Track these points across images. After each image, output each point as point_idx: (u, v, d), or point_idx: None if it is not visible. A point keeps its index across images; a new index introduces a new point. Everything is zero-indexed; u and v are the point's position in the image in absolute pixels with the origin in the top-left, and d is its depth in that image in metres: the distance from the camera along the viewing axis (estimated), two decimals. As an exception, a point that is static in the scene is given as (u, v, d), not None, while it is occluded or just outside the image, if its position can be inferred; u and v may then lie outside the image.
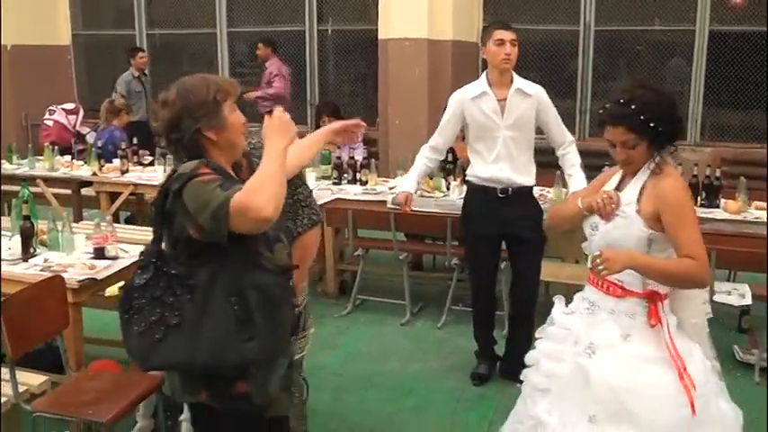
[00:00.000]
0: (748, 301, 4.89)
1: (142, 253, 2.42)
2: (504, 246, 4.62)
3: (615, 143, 2.70)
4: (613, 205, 2.71)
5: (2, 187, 6.05)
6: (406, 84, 8.96)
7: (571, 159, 4.48)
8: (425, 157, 4.62)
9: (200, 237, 2.23)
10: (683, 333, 2.75)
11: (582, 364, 2.69)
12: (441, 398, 4.51)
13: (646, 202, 2.69)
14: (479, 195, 4.48)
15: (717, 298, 4.83)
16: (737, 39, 8.75)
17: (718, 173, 5.76)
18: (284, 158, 2.27)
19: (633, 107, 2.62)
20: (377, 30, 9.39)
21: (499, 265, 4.81)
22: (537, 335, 3.05)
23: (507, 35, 4.27)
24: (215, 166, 2.33)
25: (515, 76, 4.38)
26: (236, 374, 2.33)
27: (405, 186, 4.61)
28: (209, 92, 2.36)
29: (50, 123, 10.15)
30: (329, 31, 10.41)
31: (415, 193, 4.81)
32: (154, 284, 2.33)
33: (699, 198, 5.60)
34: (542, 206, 4.70)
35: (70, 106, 10.40)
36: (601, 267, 2.57)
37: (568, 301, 3.03)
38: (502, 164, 4.37)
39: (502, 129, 4.34)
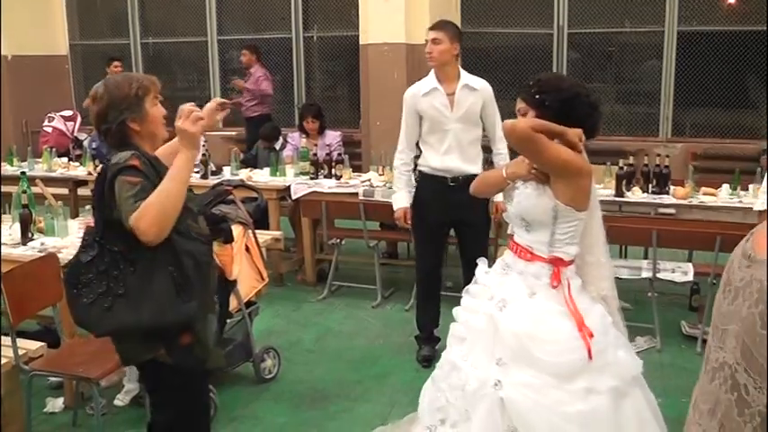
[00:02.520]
0: (690, 278, 5.33)
1: (86, 233, 2.80)
2: (452, 233, 4.97)
3: (517, 113, 3.15)
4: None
5: (2, 188, 6.49)
6: (385, 87, 9.37)
7: (501, 162, 4.70)
8: (402, 165, 4.86)
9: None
10: (585, 294, 3.13)
11: (492, 315, 3.06)
12: (402, 366, 4.95)
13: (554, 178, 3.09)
14: (431, 184, 4.79)
15: (661, 275, 5.29)
16: (705, 38, 9.21)
17: (667, 161, 6.23)
18: (186, 171, 2.66)
19: (531, 83, 3.12)
20: (359, 35, 9.85)
21: (445, 251, 5.15)
22: (463, 293, 3.40)
23: (432, 34, 4.64)
24: (145, 159, 2.67)
25: (462, 71, 4.73)
26: (183, 328, 2.72)
27: (400, 203, 4.86)
28: (131, 87, 2.72)
29: (49, 130, 10.61)
30: (314, 37, 10.87)
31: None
32: (99, 260, 2.67)
33: (650, 185, 6.11)
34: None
35: (68, 113, 10.86)
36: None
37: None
38: (452, 155, 4.70)
39: (452, 122, 4.67)
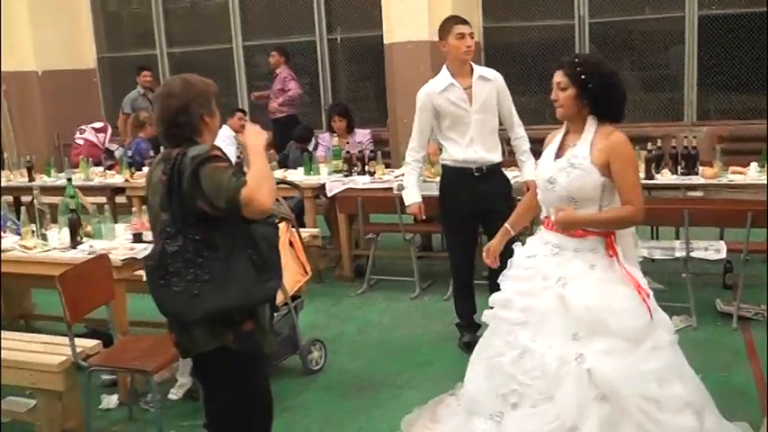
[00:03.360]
0: (723, 255, 5.40)
1: (164, 227, 2.84)
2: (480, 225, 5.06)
3: (555, 84, 3.28)
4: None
5: (44, 200, 6.66)
6: (411, 84, 9.40)
7: (522, 145, 4.99)
8: (414, 161, 5.00)
9: (214, 213, 2.72)
10: (625, 260, 3.29)
11: (559, 294, 3.20)
12: (444, 354, 5.06)
13: (597, 155, 3.22)
14: (456, 176, 4.88)
15: (695, 254, 5.37)
16: (726, 22, 9.24)
17: (694, 142, 6.30)
18: (265, 156, 2.85)
19: (576, 60, 3.27)
20: (382, 35, 9.96)
21: (476, 242, 5.23)
22: (499, 281, 3.52)
23: (467, 29, 4.74)
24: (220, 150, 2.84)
25: (473, 64, 4.84)
26: (247, 314, 2.88)
27: (412, 199, 5.01)
28: (206, 85, 2.96)
29: (81, 142, 10.79)
30: (338, 39, 11.02)
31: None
32: (184, 250, 2.79)
33: (678, 167, 6.20)
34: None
35: (99, 125, 11.04)
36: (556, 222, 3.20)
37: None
38: (476, 146, 4.79)
39: (472, 114, 4.75)
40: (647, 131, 8.81)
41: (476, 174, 4.82)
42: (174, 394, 4.46)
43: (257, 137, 2.87)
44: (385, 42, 9.89)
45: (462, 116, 4.77)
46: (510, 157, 5.44)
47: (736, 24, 9.15)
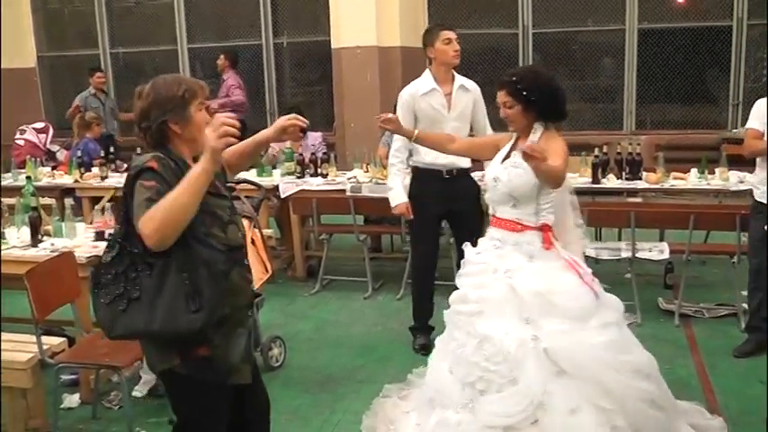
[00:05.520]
0: (667, 255, 5.70)
1: (111, 234, 2.77)
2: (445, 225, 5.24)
3: (501, 104, 3.57)
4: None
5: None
6: (359, 89, 9.62)
7: None
8: (399, 163, 5.03)
9: None
10: (566, 251, 3.57)
11: (508, 283, 3.45)
12: (402, 350, 5.20)
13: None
14: (427, 178, 5.00)
15: (640, 254, 5.64)
16: (664, 35, 9.63)
17: (638, 149, 6.59)
18: (197, 183, 2.48)
19: (514, 78, 3.53)
20: (330, 40, 10.06)
21: (439, 246, 5.36)
22: (455, 281, 3.77)
23: (453, 35, 4.87)
24: (170, 161, 2.62)
25: (455, 73, 4.98)
26: (199, 340, 2.62)
27: (399, 199, 5.01)
28: (179, 89, 2.66)
29: (21, 143, 10.57)
30: (285, 43, 11.08)
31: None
32: (119, 262, 2.61)
33: (623, 172, 6.50)
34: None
35: (40, 125, 10.82)
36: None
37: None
38: None
39: (449, 120, 4.88)
40: (587, 139, 9.11)
41: (446, 176, 4.96)
42: (139, 391, 4.50)
43: (213, 141, 2.49)
44: (333, 47, 10.00)
45: (439, 121, 4.87)
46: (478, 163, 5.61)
47: (673, 38, 9.55)
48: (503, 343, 3.36)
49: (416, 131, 4.25)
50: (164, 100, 2.65)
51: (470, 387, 3.44)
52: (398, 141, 5.01)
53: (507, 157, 3.64)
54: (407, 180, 5.17)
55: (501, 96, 3.56)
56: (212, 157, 2.49)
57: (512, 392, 3.32)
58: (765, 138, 4.73)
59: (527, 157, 3.18)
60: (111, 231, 2.80)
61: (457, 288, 3.73)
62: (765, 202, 4.74)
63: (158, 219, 2.43)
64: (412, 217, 5.04)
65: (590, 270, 3.57)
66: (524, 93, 3.49)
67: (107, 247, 2.70)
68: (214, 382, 2.73)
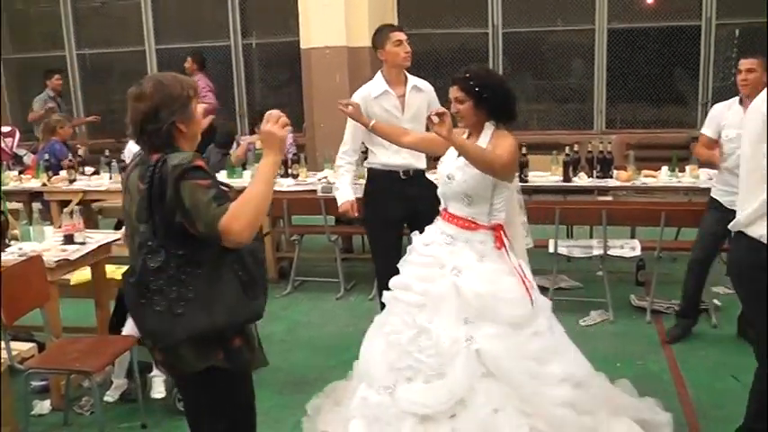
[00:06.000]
0: (638, 252, 5.77)
1: (144, 241, 2.60)
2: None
3: (452, 99, 3.63)
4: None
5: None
6: (328, 89, 9.57)
7: None
8: (347, 164, 4.97)
9: (192, 231, 2.52)
10: (513, 252, 3.65)
11: (454, 282, 3.52)
12: (375, 351, 5.16)
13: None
14: (384, 180, 4.89)
15: (612, 252, 5.69)
16: (633, 35, 9.72)
17: (609, 148, 6.64)
18: (271, 174, 2.60)
19: (467, 75, 3.59)
20: (299, 40, 10.02)
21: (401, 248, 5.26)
22: (399, 266, 3.84)
23: (403, 36, 4.78)
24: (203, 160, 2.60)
25: (407, 74, 4.89)
26: (236, 330, 2.70)
27: (345, 197, 4.92)
28: (183, 88, 2.67)
29: (-14, 147, 10.46)
30: (253, 44, 11.03)
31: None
32: (166, 266, 2.57)
33: (594, 171, 6.53)
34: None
35: (6, 129, 10.67)
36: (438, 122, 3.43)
37: None
38: (403, 153, 4.75)
39: (403, 122, 4.76)
40: (558, 139, 9.18)
41: (403, 177, 4.87)
42: (111, 396, 4.46)
43: (269, 138, 2.60)
44: (302, 47, 9.95)
45: (393, 123, 4.76)
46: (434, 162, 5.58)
47: (642, 38, 9.64)
48: (439, 338, 3.47)
49: (373, 121, 4.35)
50: (171, 100, 2.64)
51: (397, 372, 3.56)
52: (346, 144, 4.94)
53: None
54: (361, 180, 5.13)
55: (453, 92, 3.62)
56: (278, 147, 2.62)
57: (437, 385, 3.45)
58: (720, 143, 4.85)
59: (438, 121, 3.36)
60: (143, 237, 2.61)
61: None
62: (720, 200, 4.91)
63: (247, 215, 2.48)
64: (356, 215, 4.96)
65: (531, 275, 3.67)
66: (476, 89, 3.54)
67: (148, 252, 2.59)
68: (248, 371, 2.87)
